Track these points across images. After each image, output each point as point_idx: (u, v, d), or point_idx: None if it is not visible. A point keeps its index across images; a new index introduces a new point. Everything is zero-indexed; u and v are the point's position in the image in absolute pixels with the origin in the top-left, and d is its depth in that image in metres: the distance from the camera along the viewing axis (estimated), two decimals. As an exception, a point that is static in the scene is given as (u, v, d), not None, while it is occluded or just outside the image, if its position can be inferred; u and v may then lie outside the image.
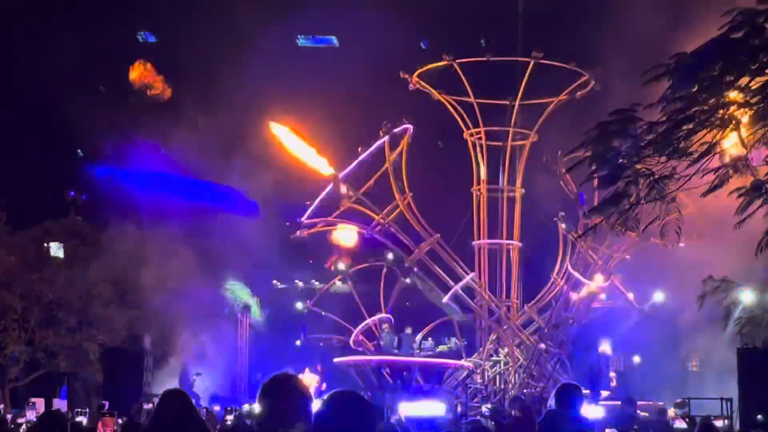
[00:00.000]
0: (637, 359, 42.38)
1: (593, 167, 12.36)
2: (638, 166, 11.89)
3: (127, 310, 40.71)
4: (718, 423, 29.11)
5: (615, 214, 12.29)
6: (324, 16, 46.72)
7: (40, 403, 32.14)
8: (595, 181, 13.22)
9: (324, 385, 38.22)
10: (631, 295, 40.09)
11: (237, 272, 45.06)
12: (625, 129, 11.67)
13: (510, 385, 36.68)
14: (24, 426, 25.95)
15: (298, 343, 46.56)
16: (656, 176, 11.73)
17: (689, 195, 12.50)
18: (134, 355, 36.36)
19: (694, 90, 11.16)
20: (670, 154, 11.58)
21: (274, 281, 54.01)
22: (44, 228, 42.50)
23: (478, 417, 26.02)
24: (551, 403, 11.00)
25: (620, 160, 11.92)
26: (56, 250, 43.11)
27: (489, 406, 21.58)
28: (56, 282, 40.10)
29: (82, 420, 28.26)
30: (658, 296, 41.01)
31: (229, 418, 27.05)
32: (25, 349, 39.60)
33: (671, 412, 32.74)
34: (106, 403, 28.05)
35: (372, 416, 4.76)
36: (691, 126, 11.35)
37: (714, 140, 11.37)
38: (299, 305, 45.62)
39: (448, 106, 38.67)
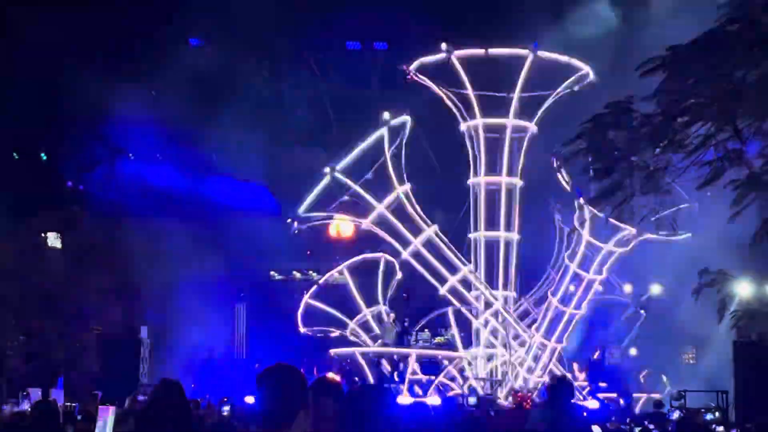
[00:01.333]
0: (633, 352, 42.40)
1: (588, 159, 12.37)
2: (633, 159, 11.91)
3: (125, 301, 40.69)
4: (710, 416, 29.27)
5: (610, 206, 12.32)
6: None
7: (35, 393, 32.12)
8: (591, 174, 13.22)
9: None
10: (627, 288, 40.15)
11: (234, 262, 45.00)
12: (619, 121, 11.69)
13: (506, 377, 36.75)
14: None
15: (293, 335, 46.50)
16: (651, 169, 11.75)
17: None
18: (130, 346, 36.37)
19: (689, 83, 11.18)
20: (665, 146, 11.60)
21: (272, 272, 53.98)
22: (41, 218, 42.42)
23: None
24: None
25: (615, 153, 11.94)
26: (53, 240, 43.05)
27: (474, 399, 21.56)
28: (53, 272, 40.05)
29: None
30: (655, 289, 41.06)
31: (225, 409, 26.99)
32: (22, 340, 39.56)
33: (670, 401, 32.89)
34: (99, 393, 28.04)
35: (388, 399, 4.81)
36: (686, 118, 11.37)
37: (709, 133, 11.38)
38: (295, 296, 45.59)
39: (446, 99, 38.64)
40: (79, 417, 20.14)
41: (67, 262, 40.82)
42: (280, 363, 5.03)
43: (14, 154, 43.67)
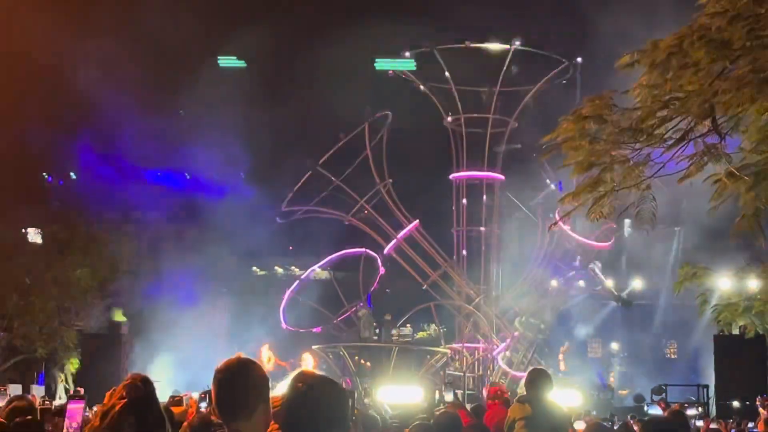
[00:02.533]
0: (615, 346, 42.52)
1: (569, 154, 12.36)
2: (613, 153, 11.90)
3: (106, 297, 40.54)
4: (692, 411, 29.34)
5: (590, 200, 12.30)
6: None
7: (15, 389, 31.95)
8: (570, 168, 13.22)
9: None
10: (609, 283, 40.24)
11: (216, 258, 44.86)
12: (600, 116, 11.68)
13: (488, 372, 36.83)
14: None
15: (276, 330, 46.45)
16: (631, 163, 11.75)
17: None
18: (112, 341, 36.23)
19: (669, 77, 11.17)
20: (645, 140, 11.59)
21: (254, 267, 53.88)
22: (22, 213, 42.23)
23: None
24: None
25: (596, 147, 11.93)
26: (34, 235, 42.89)
27: (451, 396, 21.51)
28: (34, 268, 39.89)
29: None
30: (636, 284, 41.18)
31: (203, 405, 26.78)
32: (2, 335, 39.38)
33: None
34: (81, 390, 27.92)
35: (345, 399, 4.71)
36: (665, 113, 11.37)
37: (689, 127, 11.39)
38: (277, 291, 45.52)
39: (428, 94, 38.65)
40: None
41: (48, 258, 40.67)
42: (240, 357, 5.01)
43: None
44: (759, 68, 10.41)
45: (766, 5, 10.30)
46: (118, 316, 38.57)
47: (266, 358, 37.49)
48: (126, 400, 5.24)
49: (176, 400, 18.70)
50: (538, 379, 10.48)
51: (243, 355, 5.02)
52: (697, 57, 10.61)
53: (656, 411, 26.25)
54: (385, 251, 37.36)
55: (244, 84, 43.15)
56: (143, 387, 5.17)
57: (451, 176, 39.43)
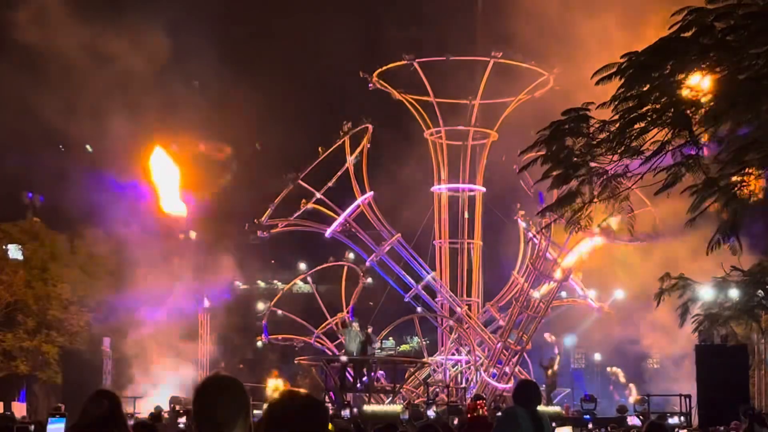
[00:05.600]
0: (597, 357, 42.57)
1: (548, 166, 12.40)
2: (591, 165, 11.94)
3: (87, 313, 40.41)
4: (674, 421, 29.41)
5: (569, 212, 12.34)
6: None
7: (-4, 405, 31.82)
8: (550, 180, 13.25)
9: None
10: (591, 294, 40.29)
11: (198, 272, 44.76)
12: (578, 128, 11.72)
13: (471, 384, 36.81)
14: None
15: (259, 343, 46.35)
16: (609, 174, 11.79)
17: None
18: (94, 358, 36.08)
19: (646, 89, 11.23)
20: (623, 152, 11.64)
21: (236, 282, 53.75)
22: (2, 230, 42.10)
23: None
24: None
25: (573, 159, 11.97)
26: (15, 251, 42.73)
27: (435, 410, 21.49)
28: (14, 284, 39.76)
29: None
30: (618, 294, 41.25)
31: (181, 420, 26.62)
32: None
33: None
34: (62, 406, 27.77)
35: (322, 416, 4.70)
36: (643, 124, 11.42)
37: (666, 138, 11.43)
38: (261, 305, 45.44)
39: (409, 106, 38.70)
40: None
41: (29, 274, 40.53)
42: (218, 373, 5.01)
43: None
44: (734, 79, 10.47)
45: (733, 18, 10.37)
46: (100, 332, 38.45)
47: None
48: (85, 414, 5.21)
49: (156, 416, 18.66)
50: (524, 390, 10.42)
51: (222, 371, 5.00)
52: (671, 69, 10.67)
53: (636, 422, 26.34)
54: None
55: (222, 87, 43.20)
56: (107, 403, 5.14)
57: (432, 189, 39.47)
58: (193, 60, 42.74)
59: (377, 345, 36.20)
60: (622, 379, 38.37)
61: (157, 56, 39.74)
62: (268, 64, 47.39)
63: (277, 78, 46.40)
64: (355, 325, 35.64)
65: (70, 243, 41.66)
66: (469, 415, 15.93)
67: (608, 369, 39.54)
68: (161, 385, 40.38)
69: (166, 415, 28.41)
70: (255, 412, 4.90)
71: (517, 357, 37.27)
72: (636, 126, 11.41)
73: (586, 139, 11.69)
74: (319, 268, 40.27)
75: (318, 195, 36.22)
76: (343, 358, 33.82)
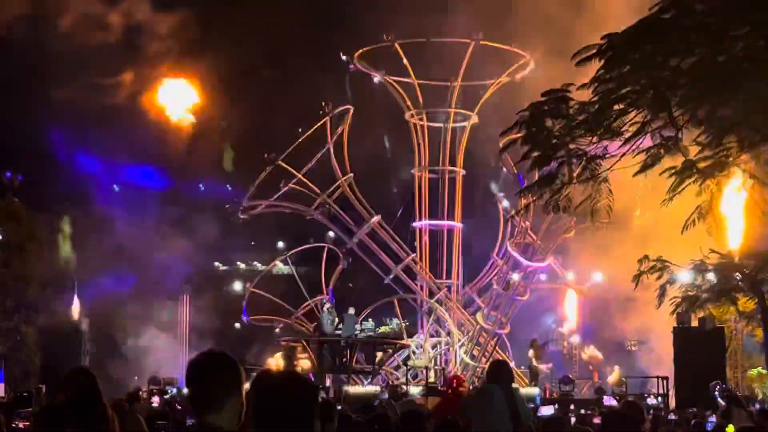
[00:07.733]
0: (575, 339, 42.72)
1: (527, 148, 12.42)
2: (571, 146, 11.97)
3: (65, 292, 40.27)
4: (651, 401, 29.59)
5: (548, 193, 12.37)
6: None
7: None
8: (529, 162, 13.25)
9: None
10: (569, 276, 40.42)
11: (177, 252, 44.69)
12: (557, 109, 11.74)
13: (450, 365, 36.92)
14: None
15: (237, 325, 46.38)
16: (588, 156, 11.82)
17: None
18: (72, 338, 35.93)
19: (625, 70, 11.25)
20: (602, 134, 11.67)
21: (216, 263, 53.72)
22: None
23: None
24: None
25: (553, 141, 11.99)
26: (-8, 232, 42.50)
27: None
28: (-8, 264, 39.61)
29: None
30: (597, 276, 41.42)
31: (155, 399, 26.51)
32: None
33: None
34: (43, 387, 27.74)
35: (313, 395, 4.70)
36: (622, 106, 11.45)
37: (645, 120, 11.47)
38: (239, 286, 45.52)
39: (390, 88, 38.61)
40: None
41: (7, 254, 40.35)
42: (211, 349, 5.00)
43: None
44: (713, 61, 10.50)
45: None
46: (78, 312, 38.33)
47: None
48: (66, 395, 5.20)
49: (134, 395, 18.62)
50: (498, 369, 10.54)
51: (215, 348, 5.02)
52: (650, 51, 10.69)
53: (612, 403, 26.49)
54: (347, 246, 37.33)
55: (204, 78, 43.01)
56: (83, 379, 5.13)
57: (411, 170, 39.45)
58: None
59: (358, 327, 36.14)
60: (600, 359, 38.61)
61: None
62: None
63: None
64: (328, 305, 35.72)
65: (50, 223, 41.47)
66: (448, 390, 15.96)
67: (585, 350, 39.69)
68: (140, 364, 40.40)
69: (144, 395, 28.46)
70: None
71: (495, 339, 37.42)
72: (615, 107, 11.44)
73: (566, 121, 11.71)
74: (299, 249, 40.29)
75: (298, 176, 36.17)
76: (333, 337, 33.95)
